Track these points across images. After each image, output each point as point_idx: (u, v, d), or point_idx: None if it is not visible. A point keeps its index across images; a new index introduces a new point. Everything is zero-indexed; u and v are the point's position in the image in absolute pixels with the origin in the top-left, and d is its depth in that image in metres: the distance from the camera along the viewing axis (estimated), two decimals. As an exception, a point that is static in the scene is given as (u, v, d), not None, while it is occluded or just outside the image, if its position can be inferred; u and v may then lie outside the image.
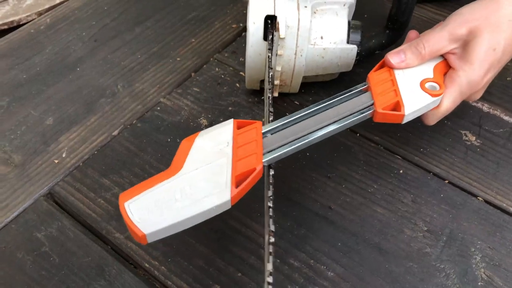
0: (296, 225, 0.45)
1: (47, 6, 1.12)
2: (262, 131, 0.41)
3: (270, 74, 0.48)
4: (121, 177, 0.49)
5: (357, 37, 0.50)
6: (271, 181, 0.40)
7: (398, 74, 0.45)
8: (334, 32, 0.49)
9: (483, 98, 0.56)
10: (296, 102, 0.56)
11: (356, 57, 0.51)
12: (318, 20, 0.49)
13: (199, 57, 0.62)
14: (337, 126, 0.42)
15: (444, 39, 0.45)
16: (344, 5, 0.49)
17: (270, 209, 0.38)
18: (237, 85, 0.59)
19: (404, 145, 0.52)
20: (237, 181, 0.37)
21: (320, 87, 0.57)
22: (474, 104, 0.56)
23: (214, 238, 0.44)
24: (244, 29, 0.66)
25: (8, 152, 0.51)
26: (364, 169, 0.50)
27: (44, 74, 0.60)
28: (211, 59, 0.62)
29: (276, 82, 0.52)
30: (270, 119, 0.45)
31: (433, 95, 0.43)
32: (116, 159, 0.51)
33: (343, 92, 0.45)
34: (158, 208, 0.35)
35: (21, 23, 1.10)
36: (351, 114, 0.43)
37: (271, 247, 0.36)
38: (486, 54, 0.43)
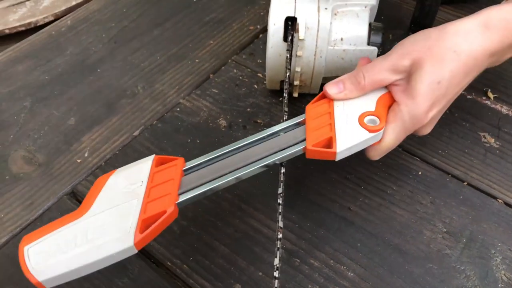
0: (316, 225, 0.46)
1: (63, 8, 1.14)
2: (185, 168, 0.39)
3: (288, 74, 0.49)
4: None
5: (378, 38, 0.50)
6: (282, 179, 0.40)
7: (337, 106, 0.41)
8: (354, 34, 0.50)
9: (501, 100, 0.56)
10: (314, 104, 0.56)
11: (376, 58, 0.51)
12: (338, 22, 0.49)
13: (217, 59, 0.63)
14: (262, 164, 0.39)
15: (385, 70, 0.41)
16: (366, 7, 0.49)
17: (280, 206, 0.39)
18: (255, 86, 0.59)
19: (423, 146, 0.52)
20: (145, 225, 0.34)
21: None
22: (493, 106, 0.56)
23: (235, 238, 0.45)
24: (261, 31, 0.67)
25: (32, 152, 0.52)
26: (382, 171, 0.50)
27: (65, 75, 0.61)
28: (229, 60, 0.63)
29: (296, 82, 0.52)
30: (285, 118, 0.45)
31: (371, 131, 0.39)
32: (137, 159, 0.51)
33: (279, 124, 0.42)
34: (56, 253, 0.33)
35: (38, 24, 1.12)
36: (280, 151, 0.40)
37: (279, 242, 0.37)
38: (429, 88, 0.40)
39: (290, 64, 0.50)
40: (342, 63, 0.51)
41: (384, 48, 0.52)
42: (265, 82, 0.58)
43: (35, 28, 1.12)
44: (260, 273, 0.43)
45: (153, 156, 0.40)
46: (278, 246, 0.37)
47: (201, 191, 0.37)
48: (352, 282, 0.42)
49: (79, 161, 0.52)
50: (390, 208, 0.47)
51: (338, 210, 0.47)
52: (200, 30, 0.67)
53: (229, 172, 0.39)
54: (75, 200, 0.49)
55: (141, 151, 0.52)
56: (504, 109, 0.56)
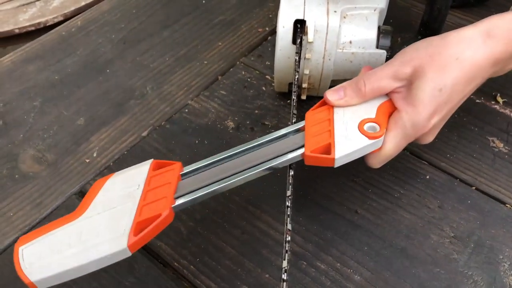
0: (323, 228, 0.46)
1: (73, 8, 1.15)
2: (182, 173, 0.39)
3: (296, 77, 0.49)
4: None
5: (386, 42, 0.50)
6: (290, 182, 0.40)
7: (337, 113, 0.41)
8: (363, 37, 0.50)
9: (511, 105, 0.56)
10: (322, 106, 0.57)
11: (385, 62, 0.51)
12: (347, 25, 0.49)
13: (226, 61, 0.63)
14: (260, 169, 0.39)
15: (386, 77, 0.41)
16: (375, 10, 0.50)
17: (288, 209, 0.39)
18: (263, 88, 0.59)
19: (431, 150, 0.52)
20: (139, 228, 0.34)
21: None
22: (502, 110, 0.56)
23: (242, 240, 0.45)
24: (270, 33, 0.67)
25: (42, 151, 0.53)
26: (390, 174, 0.50)
27: (75, 75, 0.62)
28: (238, 62, 0.63)
29: (304, 85, 0.53)
30: (293, 121, 0.46)
31: (370, 138, 0.39)
32: (145, 159, 0.51)
33: (278, 131, 0.42)
34: (50, 254, 0.33)
35: (47, 24, 1.13)
36: (278, 156, 0.39)
37: (287, 245, 0.37)
38: (431, 96, 0.39)
39: (299, 67, 0.50)
40: (350, 66, 0.51)
41: (392, 52, 0.52)
42: (273, 84, 0.58)
43: (44, 28, 1.13)
44: (267, 275, 0.43)
45: (151, 160, 0.40)
46: (287, 248, 0.37)
47: (197, 196, 0.37)
48: (358, 285, 0.42)
49: (87, 161, 0.52)
50: (398, 212, 0.47)
51: (345, 213, 0.47)
52: (209, 31, 0.67)
53: (226, 177, 0.38)
54: (83, 200, 0.49)
55: (149, 152, 0.53)
56: (513, 114, 0.55)
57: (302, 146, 0.40)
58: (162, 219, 0.35)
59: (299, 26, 0.49)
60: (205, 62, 0.63)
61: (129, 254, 0.34)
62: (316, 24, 0.49)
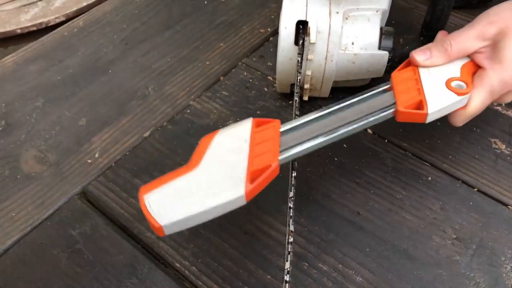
0: (325, 229, 0.46)
1: (75, 9, 1.15)
2: (281, 130, 0.41)
3: (298, 78, 0.49)
4: (152, 178, 0.49)
5: (389, 43, 0.50)
6: (293, 183, 0.41)
7: (423, 72, 0.44)
8: (365, 38, 0.50)
9: (513, 106, 0.56)
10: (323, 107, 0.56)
11: (388, 63, 0.51)
12: (349, 26, 0.49)
13: (228, 61, 0.63)
14: (356, 125, 0.41)
15: (472, 38, 0.44)
16: (377, 11, 0.49)
17: (291, 210, 0.39)
18: (265, 89, 0.59)
19: (433, 152, 0.52)
20: (253, 177, 0.37)
21: (349, 92, 0.58)
22: (504, 112, 0.56)
23: (244, 241, 0.45)
24: (272, 33, 0.67)
25: (44, 151, 0.53)
26: (392, 175, 0.50)
27: (77, 76, 0.62)
28: (239, 63, 0.63)
29: (306, 86, 0.53)
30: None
31: (459, 94, 0.42)
32: (147, 160, 0.52)
33: (366, 91, 0.44)
34: (175, 201, 0.36)
35: (49, 24, 1.13)
36: (372, 113, 0.42)
37: (290, 246, 0.37)
38: None
39: (301, 68, 0.50)
40: (353, 67, 0.51)
41: (395, 53, 0.52)
42: (275, 85, 0.58)
43: (46, 28, 1.13)
44: (269, 276, 0.43)
45: (251, 118, 0.42)
46: (289, 250, 0.37)
47: (299, 150, 0.40)
48: (360, 286, 0.42)
49: (89, 161, 0.52)
50: (400, 213, 0.47)
51: (347, 215, 0.47)
52: (210, 32, 0.68)
53: (324, 133, 0.41)
54: (85, 200, 0.49)
55: (151, 153, 0.53)
56: (516, 115, 0.55)
57: (393, 104, 0.42)
58: (271, 170, 0.38)
59: (301, 27, 0.49)
60: (207, 63, 0.63)
61: (245, 202, 0.36)
62: (318, 25, 0.49)
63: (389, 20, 0.55)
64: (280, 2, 0.50)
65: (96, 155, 0.53)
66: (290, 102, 0.57)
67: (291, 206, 0.39)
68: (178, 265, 0.44)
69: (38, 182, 0.50)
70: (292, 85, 0.55)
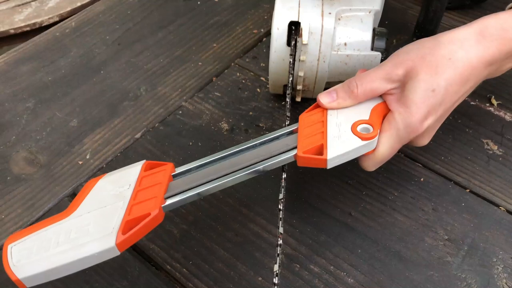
0: (316, 231, 0.46)
1: (68, 9, 1.15)
2: (174, 173, 0.39)
3: (291, 79, 0.49)
4: None
5: (381, 44, 0.50)
6: (283, 185, 0.40)
7: (330, 115, 0.41)
8: (358, 39, 0.50)
9: (505, 107, 0.56)
10: (316, 108, 0.56)
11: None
12: (342, 27, 0.49)
13: (220, 62, 0.63)
14: (251, 170, 0.38)
15: (379, 79, 0.41)
16: (370, 12, 0.49)
17: (281, 212, 0.39)
18: (258, 90, 0.59)
19: (425, 152, 0.52)
20: (128, 227, 0.34)
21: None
22: (497, 113, 0.56)
23: (235, 243, 0.45)
24: (265, 34, 0.67)
25: (34, 153, 0.53)
26: (384, 176, 0.50)
27: (69, 76, 0.61)
28: (232, 64, 0.63)
29: (299, 87, 0.52)
30: (287, 123, 0.45)
31: (363, 138, 0.39)
32: (139, 161, 0.51)
33: (272, 133, 0.42)
34: (39, 252, 0.33)
35: (43, 25, 1.12)
36: (271, 157, 0.39)
37: (278, 248, 0.37)
38: (423, 97, 0.39)
39: (293, 69, 0.50)
40: (345, 68, 0.51)
41: (387, 54, 0.52)
42: (268, 86, 0.58)
43: (40, 29, 1.13)
44: (260, 278, 0.42)
45: (143, 161, 0.40)
46: (278, 252, 0.36)
47: (187, 196, 0.37)
48: (352, 288, 0.42)
49: (80, 162, 0.52)
50: (392, 214, 0.47)
51: (339, 216, 0.47)
52: (204, 33, 0.67)
53: (217, 178, 0.38)
54: (76, 202, 0.49)
55: (143, 154, 0.52)
56: (508, 116, 0.55)
57: (295, 148, 0.39)
58: (151, 219, 0.35)
59: (294, 28, 0.49)
60: (200, 63, 0.63)
61: (118, 253, 0.33)
62: (311, 26, 0.48)
63: (382, 20, 0.55)
64: (273, 2, 0.50)
65: (87, 156, 0.52)
66: (283, 103, 0.57)
67: (281, 208, 0.39)
68: (169, 267, 0.43)
69: (28, 183, 0.50)
70: (285, 86, 0.55)
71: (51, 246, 0.33)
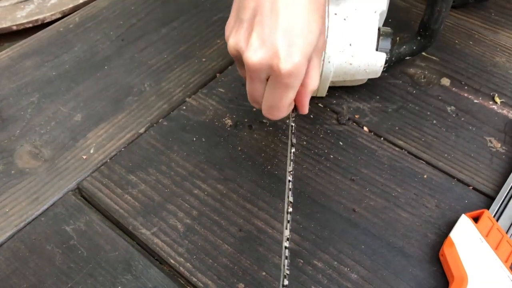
0: (320, 226, 0.46)
1: (71, 6, 1.14)
2: None
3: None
4: (148, 174, 0.50)
5: (387, 44, 0.50)
6: (290, 187, 0.40)
7: None
8: (363, 40, 0.49)
9: (508, 105, 0.56)
10: (320, 105, 0.56)
11: (385, 64, 0.51)
12: (347, 27, 0.49)
13: (224, 58, 0.63)
14: None
15: None
16: (375, 12, 0.49)
17: (288, 215, 0.39)
18: (262, 86, 0.59)
19: (428, 150, 0.52)
20: None
21: (344, 91, 0.58)
22: (500, 110, 0.56)
23: (240, 238, 0.45)
24: (269, 31, 0.67)
25: (38, 147, 0.53)
26: (388, 173, 0.50)
27: (73, 71, 0.61)
28: (236, 60, 0.63)
29: (302, 84, 0.52)
30: (291, 120, 0.45)
31: None
32: (142, 156, 0.52)
33: None
34: None
35: (45, 21, 1.12)
36: None
37: (287, 251, 0.37)
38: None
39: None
40: (350, 68, 0.51)
41: (392, 53, 0.52)
42: (271, 82, 0.58)
43: (42, 25, 1.12)
44: (264, 273, 0.42)
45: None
46: (286, 255, 0.37)
47: None
48: (355, 284, 0.42)
49: (84, 157, 0.52)
50: (395, 211, 0.47)
51: (343, 212, 0.47)
52: (207, 29, 0.67)
53: None
54: (80, 196, 0.49)
55: (147, 149, 0.52)
56: (511, 114, 0.55)
57: None
58: None
59: (299, 25, 0.49)
60: (204, 59, 0.63)
61: None
62: (315, 23, 0.48)
63: (386, 18, 0.56)
64: None
65: (91, 151, 0.52)
66: (287, 99, 0.57)
67: (288, 209, 0.39)
68: (173, 262, 0.43)
69: (32, 177, 0.50)
70: (289, 82, 0.55)
71: None
